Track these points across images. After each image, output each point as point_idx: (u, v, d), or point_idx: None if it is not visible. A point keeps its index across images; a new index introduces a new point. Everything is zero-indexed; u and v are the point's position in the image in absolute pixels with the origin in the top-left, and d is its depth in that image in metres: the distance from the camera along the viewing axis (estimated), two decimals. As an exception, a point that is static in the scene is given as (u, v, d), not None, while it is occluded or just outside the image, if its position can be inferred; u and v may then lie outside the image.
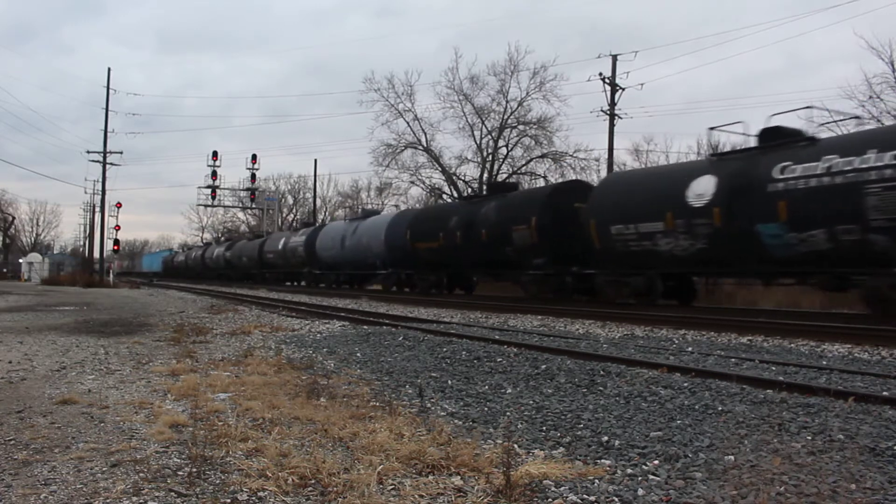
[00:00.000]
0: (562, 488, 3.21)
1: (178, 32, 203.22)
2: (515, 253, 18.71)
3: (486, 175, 38.44)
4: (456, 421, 4.63)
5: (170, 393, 5.58)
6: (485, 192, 25.81)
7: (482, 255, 20.34)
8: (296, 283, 37.59)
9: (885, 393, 5.28)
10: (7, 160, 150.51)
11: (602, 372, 6.45)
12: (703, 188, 13.72)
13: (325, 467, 3.40)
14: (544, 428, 4.43)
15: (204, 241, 79.77)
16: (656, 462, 3.62)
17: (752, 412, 4.68)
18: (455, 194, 38.31)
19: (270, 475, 3.34)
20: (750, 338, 10.06)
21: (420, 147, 40.06)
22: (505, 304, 17.39)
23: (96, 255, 49.81)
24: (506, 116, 37.87)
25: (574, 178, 32.37)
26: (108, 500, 3.03)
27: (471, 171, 40.71)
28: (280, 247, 37.51)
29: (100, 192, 45.22)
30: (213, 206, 54.92)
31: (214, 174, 51.37)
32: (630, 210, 15.30)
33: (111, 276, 45.49)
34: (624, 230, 15.26)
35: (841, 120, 13.62)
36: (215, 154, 51.06)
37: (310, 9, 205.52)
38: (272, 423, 4.42)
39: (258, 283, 40.53)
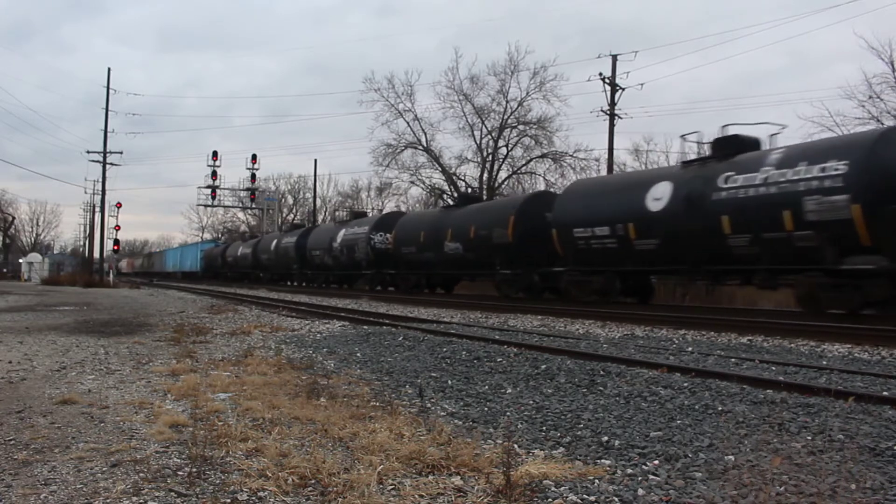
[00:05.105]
0: (562, 488, 3.20)
1: (178, 32, 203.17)
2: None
3: (486, 175, 38.47)
4: (456, 421, 4.63)
5: (170, 393, 5.58)
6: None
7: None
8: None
9: (885, 393, 5.29)
10: (7, 160, 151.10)
11: (602, 372, 6.45)
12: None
13: (325, 467, 3.40)
14: (544, 428, 4.43)
15: (205, 240, 77.66)
16: (656, 462, 3.62)
17: (752, 412, 4.68)
18: (455, 194, 38.33)
19: (270, 475, 3.34)
20: (750, 338, 10.06)
21: (420, 147, 40.12)
22: (504, 304, 17.46)
23: (97, 255, 49.87)
24: (506, 116, 37.91)
25: (574, 178, 32.49)
26: (108, 500, 3.03)
27: (471, 171, 40.80)
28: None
29: (100, 192, 45.32)
30: (213, 206, 54.95)
31: (214, 174, 51.37)
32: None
33: (111, 276, 45.49)
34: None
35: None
36: (215, 154, 51.09)
37: (310, 8, 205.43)
38: (272, 423, 4.41)
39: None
